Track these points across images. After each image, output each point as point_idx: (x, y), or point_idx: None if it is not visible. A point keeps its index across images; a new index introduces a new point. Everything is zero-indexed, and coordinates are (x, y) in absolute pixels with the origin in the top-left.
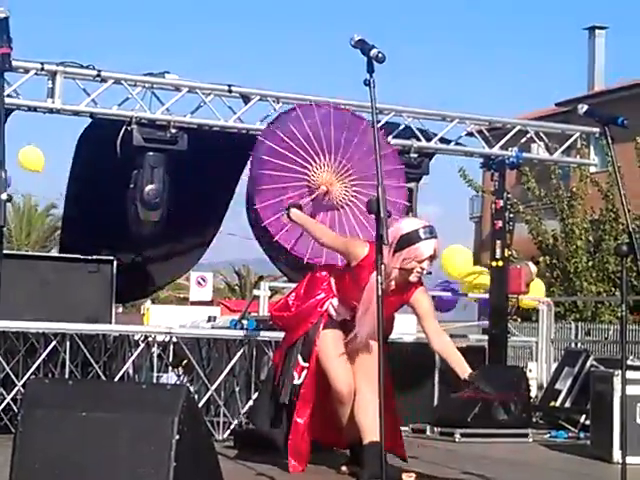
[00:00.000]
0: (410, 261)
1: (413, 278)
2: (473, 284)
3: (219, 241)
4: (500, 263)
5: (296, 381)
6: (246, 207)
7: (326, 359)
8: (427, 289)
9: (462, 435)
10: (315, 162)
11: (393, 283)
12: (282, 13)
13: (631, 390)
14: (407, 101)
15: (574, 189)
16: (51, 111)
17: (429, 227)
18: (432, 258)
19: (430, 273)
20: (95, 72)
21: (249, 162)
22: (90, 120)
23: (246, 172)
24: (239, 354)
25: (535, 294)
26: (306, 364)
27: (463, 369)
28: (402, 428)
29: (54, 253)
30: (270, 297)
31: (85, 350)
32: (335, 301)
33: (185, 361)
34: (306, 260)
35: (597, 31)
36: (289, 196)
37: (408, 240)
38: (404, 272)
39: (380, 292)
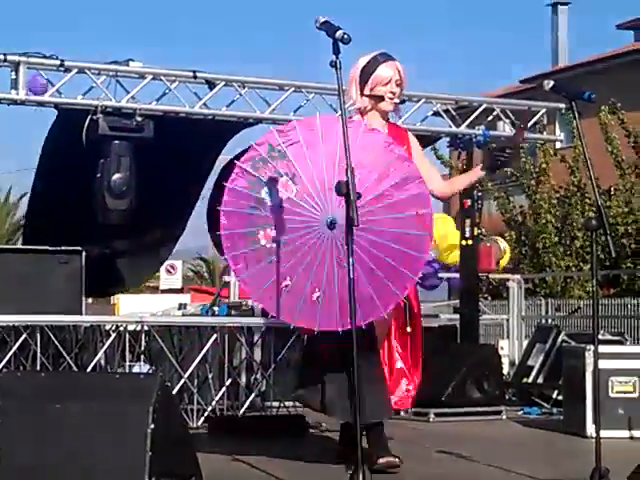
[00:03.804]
0: (377, 87)
1: (387, 106)
2: (448, 261)
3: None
4: (470, 242)
5: None
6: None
7: None
8: None
9: (436, 415)
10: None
11: (367, 120)
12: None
13: (603, 364)
14: None
15: (542, 164)
16: (15, 102)
17: (383, 52)
18: (398, 82)
19: (404, 102)
20: (58, 62)
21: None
22: (57, 113)
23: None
24: (211, 341)
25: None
26: None
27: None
28: None
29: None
30: None
31: (56, 342)
32: None
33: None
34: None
35: (560, 7)
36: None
37: (369, 69)
38: (376, 103)
39: (352, 275)
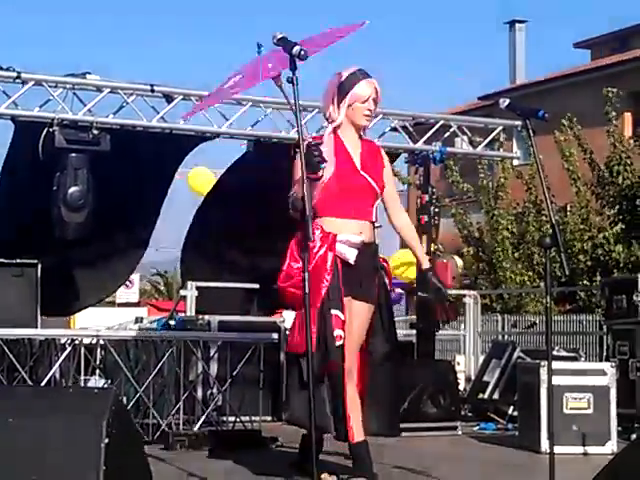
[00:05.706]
0: (355, 104)
1: (363, 121)
2: (402, 277)
3: None
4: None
5: (339, 342)
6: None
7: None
8: None
9: None
10: None
11: (340, 134)
12: (200, 9)
13: (557, 380)
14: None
15: (501, 180)
16: None
17: (362, 69)
18: (375, 99)
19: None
20: (15, 74)
21: None
22: (14, 126)
23: None
24: (167, 354)
25: None
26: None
27: (425, 259)
28: None
29: None
30: (197, 297)
31: (11, 355)
32: (343, 236)
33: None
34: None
35: (517, 25)
36: None
37: (348, 85)
38: (353, 118)
39: (307, 290)
